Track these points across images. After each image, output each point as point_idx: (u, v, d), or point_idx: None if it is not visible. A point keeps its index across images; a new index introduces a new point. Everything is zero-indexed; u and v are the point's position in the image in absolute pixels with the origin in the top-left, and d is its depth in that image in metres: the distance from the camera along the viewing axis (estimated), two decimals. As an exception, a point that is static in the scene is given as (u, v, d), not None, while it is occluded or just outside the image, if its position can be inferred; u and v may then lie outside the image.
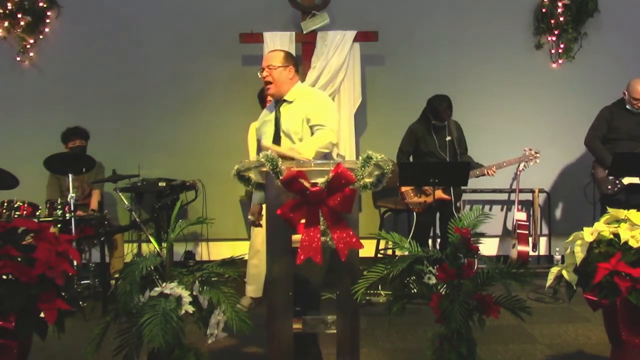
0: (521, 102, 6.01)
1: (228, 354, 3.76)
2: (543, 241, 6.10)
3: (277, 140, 3.48)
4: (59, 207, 4.71)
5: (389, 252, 5.46)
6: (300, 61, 5.64)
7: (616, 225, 3.08)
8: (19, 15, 5.71)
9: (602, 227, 3.11)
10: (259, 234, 4.40)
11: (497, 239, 6.12)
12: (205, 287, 2.73)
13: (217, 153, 5.77)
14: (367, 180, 2.81)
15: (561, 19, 5.84)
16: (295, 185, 2.73)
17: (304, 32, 5.54)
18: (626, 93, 5.21)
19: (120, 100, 5.93)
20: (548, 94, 6.01)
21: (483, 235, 2.96)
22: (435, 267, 2.82)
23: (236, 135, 5.34)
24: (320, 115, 3.40)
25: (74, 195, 4.68)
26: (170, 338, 2.52)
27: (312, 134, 3.39)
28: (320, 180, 2.76)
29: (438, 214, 5.14)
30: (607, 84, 5.69)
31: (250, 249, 4.65)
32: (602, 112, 5.34)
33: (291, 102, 3.49)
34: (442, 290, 2.81)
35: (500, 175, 5.44)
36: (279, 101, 3.53)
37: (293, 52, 5.51)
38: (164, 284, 2.66)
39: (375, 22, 5.69)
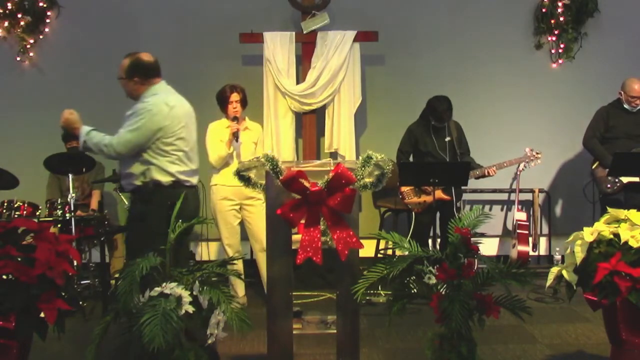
0: (521, 102, 6.01)
1: (228, 354, 3.76)
2: (543, 241, 6.09)
3: None
4: (59, 207, 4.71)
5: (389, 252, 5.45)
6: (300, 61, 5.65)
7: (616, 225, 3.09)
8: (19, 15, 5.70)
9: (602, 227, 3.11)
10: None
11: (497, 239, 6.11)
12: (205, 287, 2.73)
13: (217, 153, 5.74)
14: (367, 180, 2.82)
15: (561, 19, 5.84)
16: (295, 185, 2.73)
17: (304, 32, 5.53)
18: (622, 93, 5.21)
19: (121, 100, 5.88)
20: (548, 94, 6.00)
21: (483, 235, 2.96)
22: (435, 267, 2.82)
23: (236, 135, 5.33)
24: (127, 121, 3.54)
25: (74, 195, 4.68)
26: (170, 338, 2.52)
27: None
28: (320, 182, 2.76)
29: (438, 214, 5.14)
30: (607, 83, 5.67)
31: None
32: (599, 112, 5.34)
33: None
34: (442, 290, 2.81)
35: (500, 175, 5.43)
36: None
37: (293, 52, 5.55)
38: (164, 284, 2.66)
39: (375, 22, 5.69)
